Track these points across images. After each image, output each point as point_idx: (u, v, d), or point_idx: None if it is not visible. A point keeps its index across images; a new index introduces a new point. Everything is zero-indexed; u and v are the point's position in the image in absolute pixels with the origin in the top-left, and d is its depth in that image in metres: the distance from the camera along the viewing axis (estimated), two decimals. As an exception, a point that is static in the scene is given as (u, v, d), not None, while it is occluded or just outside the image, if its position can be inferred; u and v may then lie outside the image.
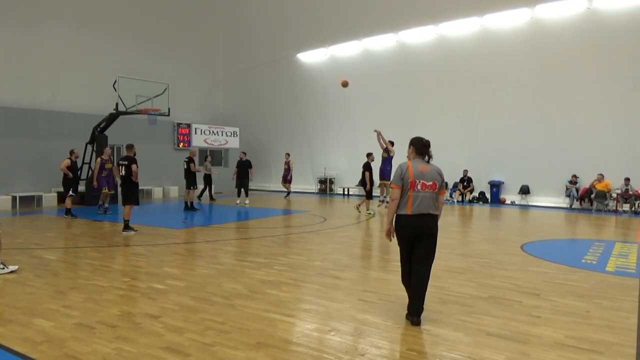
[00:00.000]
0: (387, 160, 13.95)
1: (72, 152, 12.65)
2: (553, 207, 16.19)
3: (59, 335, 4.12)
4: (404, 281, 4.68)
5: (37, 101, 16.97)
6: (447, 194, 18.93)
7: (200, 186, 17.09)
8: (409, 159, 4.64)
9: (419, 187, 4.44)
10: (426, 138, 4.69)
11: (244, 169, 16.18)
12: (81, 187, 15.60)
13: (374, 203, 14.61)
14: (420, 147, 4.60)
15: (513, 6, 15.55)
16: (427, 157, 4.59)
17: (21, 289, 5.61)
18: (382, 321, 4.51)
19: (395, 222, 4.58)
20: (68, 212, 12.23)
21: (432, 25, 17.42)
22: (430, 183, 4.46)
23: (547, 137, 16.15)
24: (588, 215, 14.11)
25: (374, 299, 5.23)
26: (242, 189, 16.27)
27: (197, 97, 23.53)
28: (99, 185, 13.13)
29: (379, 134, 13.96)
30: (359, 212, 13.60)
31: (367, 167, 13.38)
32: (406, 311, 4.57)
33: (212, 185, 17.65)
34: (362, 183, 13.83)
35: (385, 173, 13.84)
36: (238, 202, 16.24)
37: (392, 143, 13.87)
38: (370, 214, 13.18)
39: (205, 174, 17.19)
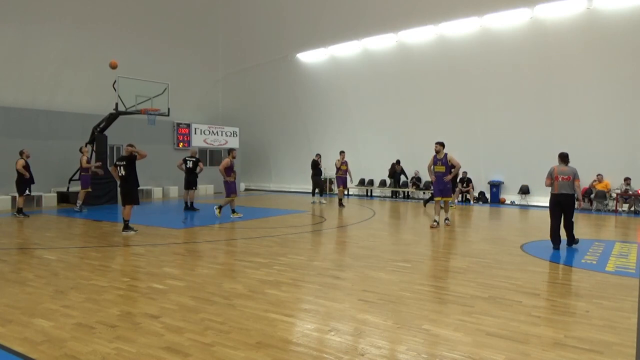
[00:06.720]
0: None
1: (22, 152, 12.78)
2: (553, 207, 16.16)
3: (58, 335, 4.12)
4: (550, 234, 8.29)
5: (37, 101, 16.97)
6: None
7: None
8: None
9: (560, 178, 8.19)
10: (564, 152, 8.48)
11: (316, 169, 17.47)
12: (76, 188, 15.69)
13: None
14: (560, 158, 8.39)
15: (513, 6, 15.53)
16: (564, 162, 8.36)
17: (21, 289, 5.60)
18: (382, 321, 4.51)
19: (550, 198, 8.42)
20: (20, 211, 12.49)
21: (432, 25, 17.40)
22: (567, 176, 8.17)
23: (547, 137, 16.13)
24: (588, 215, 14.10)
25: (374, 299, 5.23)
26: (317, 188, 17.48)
27: (196, 97, 23.52)
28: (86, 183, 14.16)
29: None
30: None
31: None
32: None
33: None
34: None
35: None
36: (321, 201, 17.37)
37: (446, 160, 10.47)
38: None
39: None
